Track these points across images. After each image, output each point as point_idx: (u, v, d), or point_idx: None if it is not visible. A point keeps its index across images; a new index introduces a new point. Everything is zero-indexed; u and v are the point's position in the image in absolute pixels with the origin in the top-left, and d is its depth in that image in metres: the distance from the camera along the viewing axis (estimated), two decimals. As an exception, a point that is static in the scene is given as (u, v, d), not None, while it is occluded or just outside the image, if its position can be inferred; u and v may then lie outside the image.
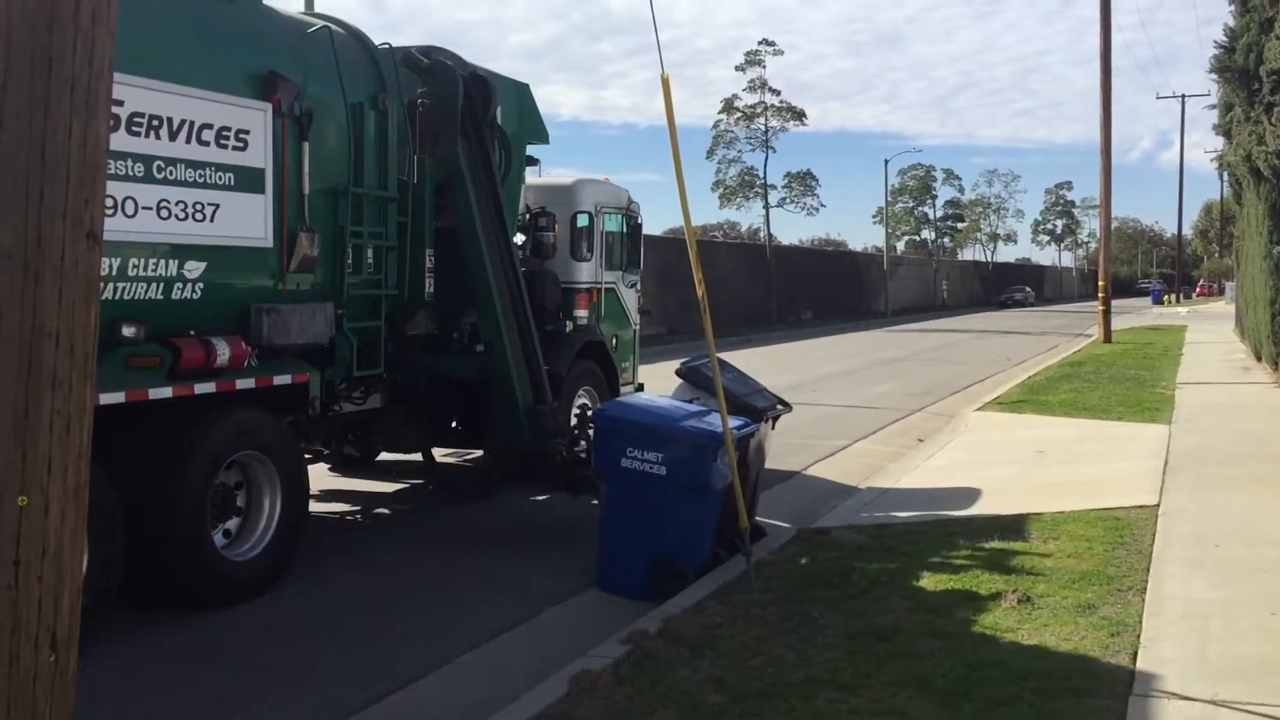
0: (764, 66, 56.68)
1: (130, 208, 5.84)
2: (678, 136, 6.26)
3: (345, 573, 7.23)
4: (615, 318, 11.31)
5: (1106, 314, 27.99)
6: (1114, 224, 43.67)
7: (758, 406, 7.84)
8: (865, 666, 4.91)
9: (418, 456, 10.20)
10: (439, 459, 10.63)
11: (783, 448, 11.92)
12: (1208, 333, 31.10)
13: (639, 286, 12.10)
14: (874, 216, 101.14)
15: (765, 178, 58.75)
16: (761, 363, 23.98)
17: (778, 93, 57.18)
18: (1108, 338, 27.56)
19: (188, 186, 6.19)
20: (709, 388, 7.67)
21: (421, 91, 8.15)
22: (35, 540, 2.44)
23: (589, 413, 9.03)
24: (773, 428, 8.30)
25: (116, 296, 5.83)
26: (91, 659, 4.91)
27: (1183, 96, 64.88)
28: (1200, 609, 5.67)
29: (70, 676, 2.53)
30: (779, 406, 8.35)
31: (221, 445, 6.35)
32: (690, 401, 7.62)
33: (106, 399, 5.54)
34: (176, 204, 6.12)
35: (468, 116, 8.25)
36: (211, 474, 6.27)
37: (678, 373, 8.10)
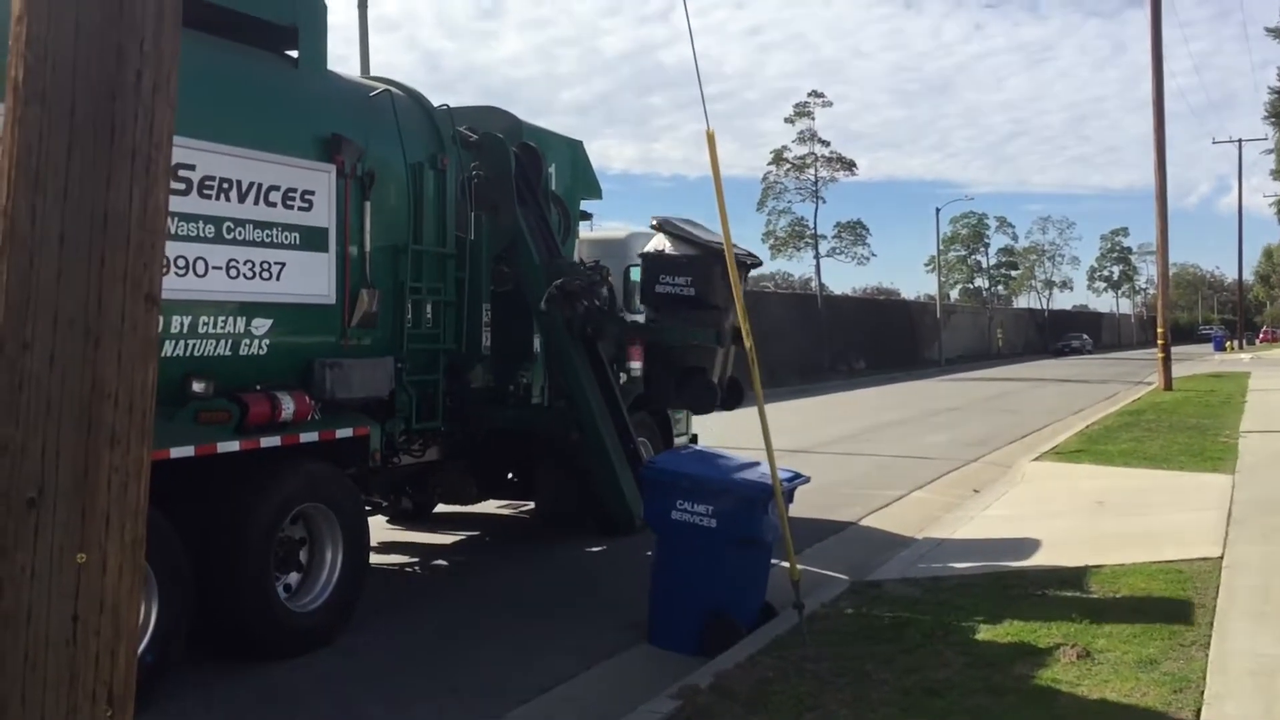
0: (813, 118, 57.11)
1: (201, 267, 6.07)
2: (723, 189, 6.39)
3: (399, 625, 7.31)
4: (668, 369, 11.39)
5: (1166, 361, 27.55)
6: (1172, 270, 43.06)
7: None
8: (921, 722, 4.87)
9: (474, 508, 10.35)
10: (494, 512, 10.77)
11: (837, 498, 11.89)
12: (1272, 380, 30.44)
13: (692, 338, 12.17)
14: (926, 265, 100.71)
15: (815, 228, 58.90)
16: (814, 413, 23.90)
17: (827, 143, 57.54)
18: (1168, 385, 27.09)
19: (256, 246, 6.42)
20: (681, 234, 8.24)
21: (474, 165, 8.43)
22: (93, 596, 2.47)
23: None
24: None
25: (188, 353, 6.05)
26: (148, 706, 5.04)
27: (1239, 141, 64.27)
28: (1266, 665, 5.54)
29: (126, 731, 2.53)
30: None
31: (286, 497, 6.49)
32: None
33: (177, 453, 5.74)
34: (245, 263, 6.35)
35: (522, 184, 8.50)
36: (276, 525, 6.42)
37: (653, 226, 8.67)
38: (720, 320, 8.84)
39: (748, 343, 6.83)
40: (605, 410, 8.41)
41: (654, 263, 9.25)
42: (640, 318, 10.89)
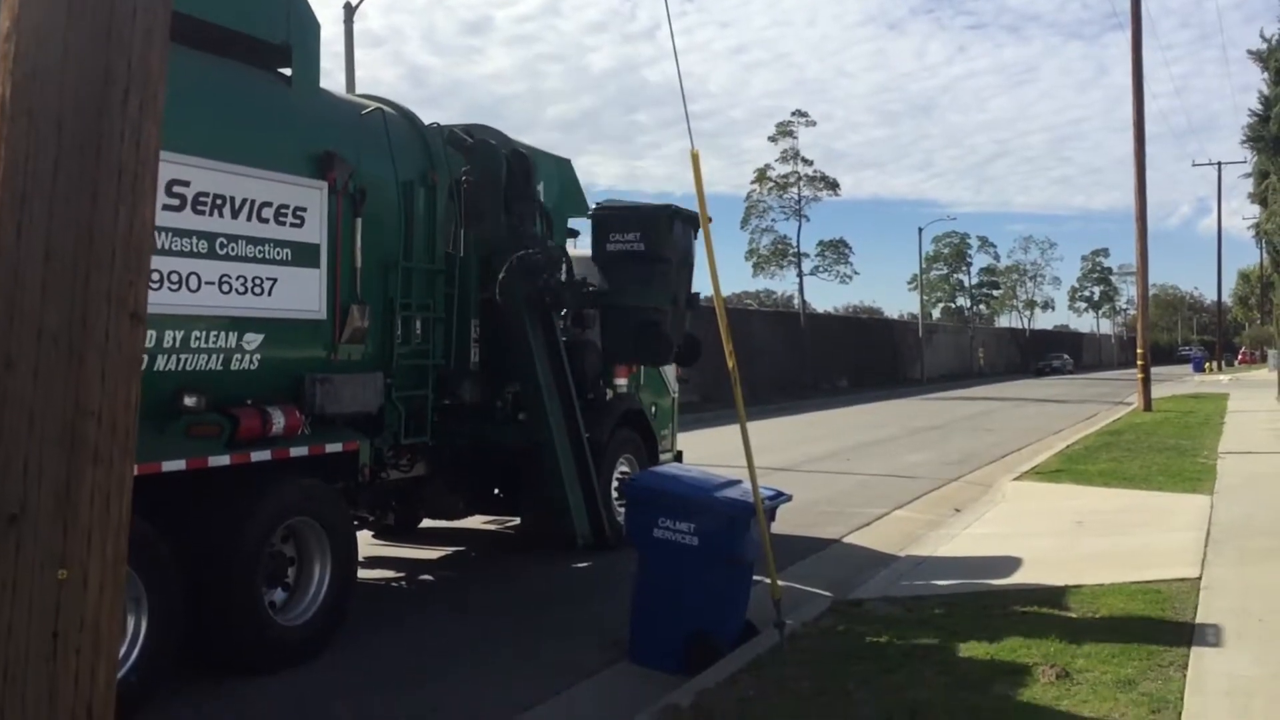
0: (796, 137, 57.47)
1: (194, 283, 6.10)
2: (707, 206, 6.47)
3: (379, 642, 7.30)
4: (654, 386, 11.48)
5: (1146, 382, 27.80)
6: (1152, 291, 43.50)
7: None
8: (901, 742, 4.92)
9: (459, 524, 10.36)
10: (479, 527, 10.79)
11: (818, 516, 11.97)
12: (1250, 401, 30.73)
13: (677, 355, 12.24)
14: (909, 284, 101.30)
15: (799, 246, 59.17)
16: (796, 431, 23.97)
17: (810, 162, 57.88)
18: (1148, 406, 27.33)
19: (248, 262, 6.46)
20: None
21: (465, 170, 8.47)
22: (74, 613, 2.46)
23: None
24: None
25: (180, 368, 6.08)
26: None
27: (1219, 164, 64.91)
28: (1243, 685, 5.62)
29: (104, 748, 2.52)
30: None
31: (276, 511, 6.52)
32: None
33: (168, 466, 5.78)
34: (237, 279, 6.39)
35: (510, 193, 8.55)
36: (266, 539, 6.44)
37: (597, 206, 9.70)
38: (670, 275, 9.17)
39: (730, 361, 6.87)
40: (562, 420, 8.45)
41: (604, 220, 9.63)
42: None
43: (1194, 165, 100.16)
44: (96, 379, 2.49)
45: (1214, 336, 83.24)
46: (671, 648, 6.58)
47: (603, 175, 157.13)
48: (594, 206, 9.96)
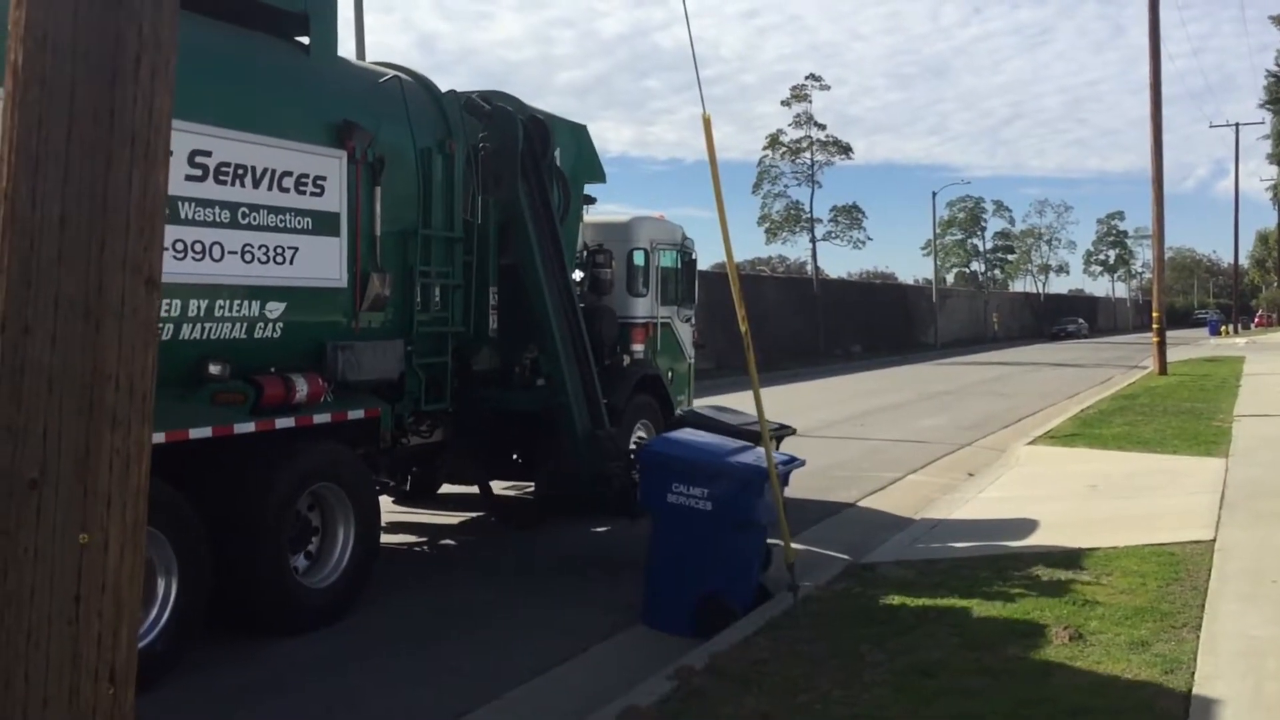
0: (810, 101, 56.99)
1: (217, 252, 6.17)
2: (719, 173, 6.46)
3: (400, 605, 7.41)
4: (670, 352, 11.52)
5: (1161, 345, 27.63)
6: (1169, 254, 43.14)
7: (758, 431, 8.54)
8: (912, 704, 4.94)
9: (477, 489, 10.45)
10: (497, 491, 10.88)
11: (833, 481, 12.04)
12: (1267, 364, 30.50)
13: (693, 321, 12.29)
14: (923, 249, 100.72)
15: (811, 212, 58.86)
16: (809, 397, 23.98)
17: (823, 127, 57.42)
18: (1163, 369, 27.20)
19: (269, 231, 6.52)
20: (707, 426, 8.57)
21: (483, 135, 8.48)
22: (95, 576, 2.50)
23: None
24: (777, 448, 8.88)
25: (204, 336, 6.16)
26: (146, 689, 5.12)
27: (1236, 125, 63.92)
28: (1256, 646, 5.65)
29: (128, 710, 2.59)
30: (782, 428, 9.22)
31: (300, 476, 6.62)
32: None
33: (195, 434, 5.87)
34: (259, 248, 6.45)
35: (527, 159, 8.56)
36: (291, 504, 6.55)
37: (679, 417, 9.23)
38: None
39: (743, 327, 6.89)
40: (580, 386, 8.62)
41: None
42: (641, 301, 11.03)
43: (1211, 127, 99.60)
44: (114, 344, 2.52)
45: (1230, 299, 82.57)
46: (686, 611, 6.66)
47: (615, 141, 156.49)
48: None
